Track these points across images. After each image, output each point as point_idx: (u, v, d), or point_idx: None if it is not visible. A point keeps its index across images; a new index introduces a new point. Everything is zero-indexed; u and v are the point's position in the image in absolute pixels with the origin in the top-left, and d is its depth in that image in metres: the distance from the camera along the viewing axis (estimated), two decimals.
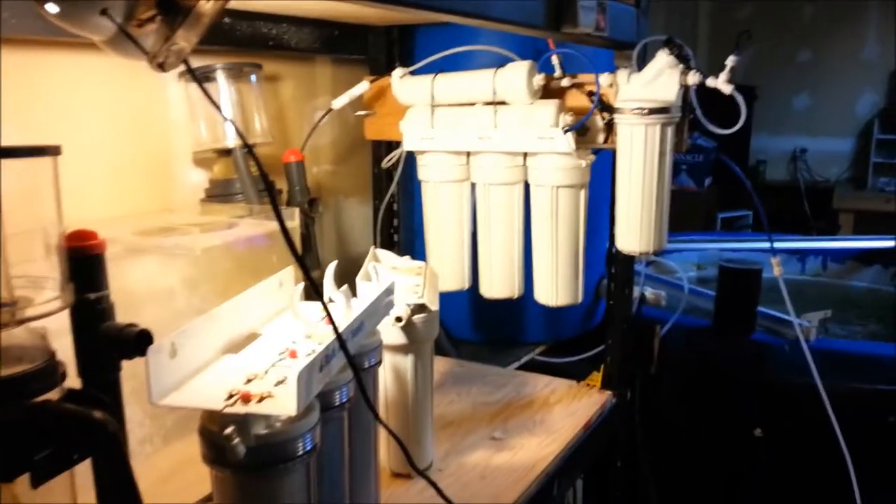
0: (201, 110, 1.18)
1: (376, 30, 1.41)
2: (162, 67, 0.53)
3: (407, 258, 1.03)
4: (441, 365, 1.39)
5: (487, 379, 1.33)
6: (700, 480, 1.77)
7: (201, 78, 1.15)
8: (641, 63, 1.08)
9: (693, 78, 1.01)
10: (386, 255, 1.02)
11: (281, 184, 1.25)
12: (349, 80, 1.34)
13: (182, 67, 0.55)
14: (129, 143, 1.10)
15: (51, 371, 0.58)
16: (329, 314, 0.63)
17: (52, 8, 0.58)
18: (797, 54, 5.15)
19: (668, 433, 1.75)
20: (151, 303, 0.96)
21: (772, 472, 1.65)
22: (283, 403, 0.56)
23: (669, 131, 1.03)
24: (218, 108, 0.67)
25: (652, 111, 1.01)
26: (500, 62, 1.11)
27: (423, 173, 1.20)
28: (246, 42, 1.19)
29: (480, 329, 1.56)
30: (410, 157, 1.25)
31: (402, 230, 1.50)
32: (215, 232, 1.00)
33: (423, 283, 0.96)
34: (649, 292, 1.59)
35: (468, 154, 1.16)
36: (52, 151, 0.59)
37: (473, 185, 1.17)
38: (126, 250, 0.92)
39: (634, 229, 1.06)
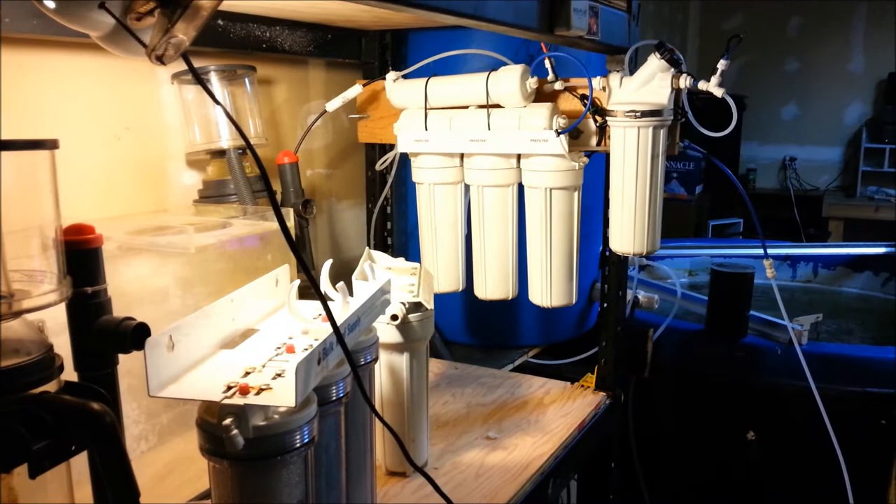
0: (195, 111, 1.18)
1: (369, 34, 1.42)
2: (161, 60, 0.53)
3: (401, 259, 1.04)
4: (435, 366, 1.39)
5: (482, 380, 1.33)
6: (693, 483, 1.78)
7: (195, 79, 1.15)
8: (633, 67, 1.09)
9: (684, 81, 1.02)
10: (380, 256, 1.02)
11: (275, 185, 1.25)
12: (342, 83, 1.35)
13: (175, 70, 0.55)
14: (123, 144, 1.10)
15: (48, 363, 0.58)
16: (327, 308, 0.63)
17: (50, 3, 0.58)
18: (785, 64, 5.20)
19: (661, 435, 1.75)
20: (145, 302, 0.96)
21: (764, 475, 1.65)
22: (282, 395, 0.57)
23: (662, 134, 1.04)
24: (221, 105, 0.68)
25: (644, 114, 1.02)
26: (493, 66, 1.12)
27: (417, 175, 1.20)
28: (240, 44, 1.20)
29: (474, 332, 1.56)
30: (403, 160, 1.26)
31: (395, 232, 1.51)
32: (210, 232, 1.00)
33: (417, 282, 0.96)
34: (642, 296, 1.60)
35: (462, 156, 1.16)
36: (49, 145, 0.59)
37: (467, 187, 1.18)
38: (120, 249, 0.92)
39: (628, 230, 1.06)
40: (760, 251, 2.43)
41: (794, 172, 5.20)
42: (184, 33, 0.50)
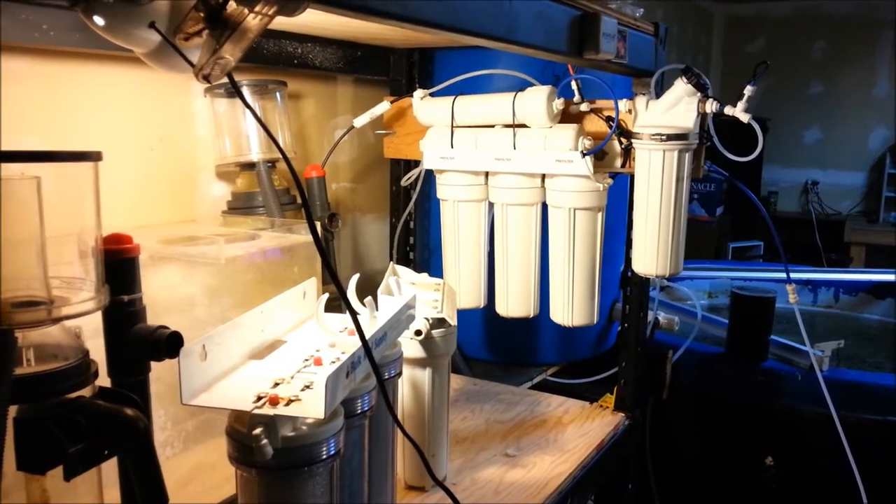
0: (226, 124, 1.21)
1: (398, 52, 1.44)
2: (207, 79, 0.55)
3: (425, 275, 1.05)
4: (455, 382, 1.40)
5: (501, 397, 1.34)
6: None
7: (227, 93, 1.17)
8: (659, 91, 1.10)
9: (711, 106, 1.03)
10: (405, 272, 1.04)
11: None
12: (370, 99, 1.37)
13: (206, 84, 0.57)
14: (156, 154, 1.13)
15: (84, 369, 0.59)
16: (356, 323, 0.64)
17: (99, 20, 0.60)
18: (809, 88, 5.18)
19: (678, 458, 1.75)
20: (173, 310, 0.97)
21: (782, 501, 1.64)
22: (311, 407, 0.58)
23: (687, 157, 1.05)
24: (261, 122, 0.69)
25: (670, 137, 1.03)
26: (519, 86, 1.13)
27: (442, 192, 1.21)
28: (272, 60, 1.22)
29: (494, 348, 1.57)
30: (428, 177, 1.27)
31: (418, 248, 1.52)
32: (238, 243, 1.02)
33: (441, 298, 0.97)
34: (663, 317, 1.60)
35: (487, 174, 1.18)
36: (93, 157, 0.61)
37: (491, 205, 1.19)
38: (151, 258, 0.94)
39: (651, 252, 1.07)
40: (781, 275, 2.42)
41: (817, 196, 5.17)
42: (230, 54, 0.52)
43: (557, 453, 1.11)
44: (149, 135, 1.11)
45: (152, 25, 0.56)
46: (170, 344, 0.64)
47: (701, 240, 3.87)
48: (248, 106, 0.65)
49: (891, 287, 2.61)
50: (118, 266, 0.66)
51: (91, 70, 1.02)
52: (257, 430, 0.56)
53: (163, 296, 0.96)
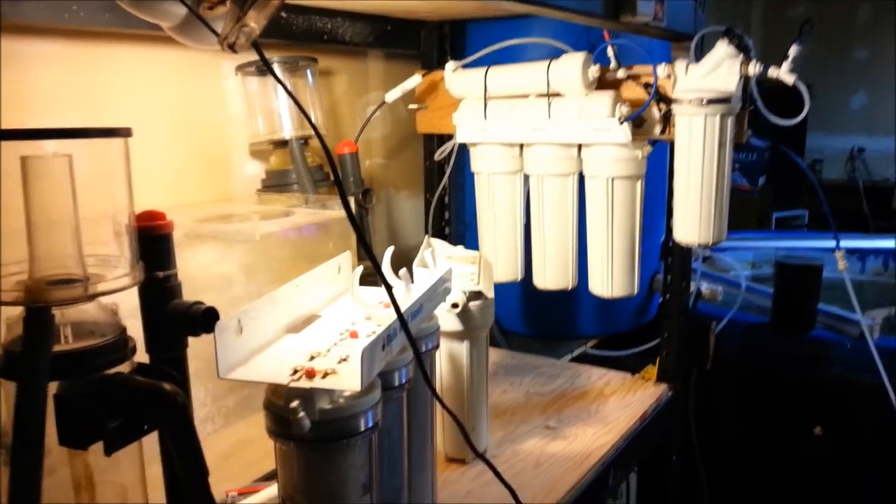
0: (258, 103, 1.20)
1: (429, 25, 1.42)
2: (232, 48, 0.54)
3: (461, 248, 1.04)
4: (494, 356, 1.39)
5: (540, 370, 1.32)
6: (756, 479, 1.74)
7: (259, 71, 1.17)
8: (699, 55, 1.06)
9: (754, 68, 1.00)
10: (440, 245, 1.02)
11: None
12: (401, 74, 1.36)
13: (239, 62, 0.56)
14: (189, 134, 1.13)
15: (122, 345, 0.59)
16: (391, 295, 0.63)
17: None
18: (853, 53, 5.02)
19: (723, 430, 1.72)
20: (210, 288, 0.98)
21: (831, 472, 1.61)
22: (347, 379, 0.57)
23: (729, 122, 1.01)
24: (293, 97, 0.68)
25: (711, 101, 0.99)
26: (553, 55, 1.11)
27: (476, 165, 1.20)
28: (301, 36, 1.21)
29: (532, 322, 1.55)
30: (462, 150, 1.26)
31: (453, 222, 1.51)
32: (273, 220, 1.02)
33: (478, 270, 0.96)
34: (705, 287, 1.57)
35: (521, 146, 1.15)
36: (123, 133, 0.61)
37: (527, 177, 1.17)
38: (187, 237, 0.94)
39: (693, 221, 1.04)
40: (827, 243, 2.35)
41: (863, 163, 5.02)
42: (255, 22, 0.51)
43: (599, 425, 1.10)
44: (181, 115, 1.12)
45: None
46: (205, 319, 0.64)
47: (743, 210, 3.78)
48: (278, 80, 0.65)
49: None
50: (152, 243, 0.65)
51: (123, 51, 1.02)
52: (294, 403, 0.56)
53: (200, 274, 0.97)
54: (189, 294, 0.72)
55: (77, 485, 0.62)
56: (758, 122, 1.07)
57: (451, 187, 1.48)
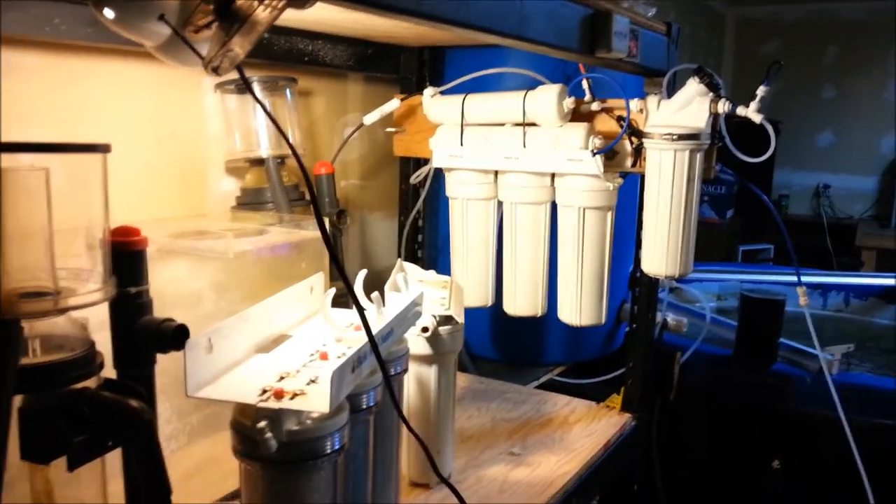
0: (236, 120, 1.21)
1: (408, 50, 1.44)
2: (216, 72, 0.55)
3: (432, 272, 1.05)
4: (461, 381, 1.39)
5: (507, 396, 1.33)
6: None
7: (238, 88, 1.17)
8: (671, 91, 1.09)
9: (723, 106, 1.03)
10: (412, 269, 1.03)
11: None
12: (379, 97, 1.37)
13: (219, 80, 0.57)
14: (166, 149, 1.13)
15: (90, 360, 0.59)
16: (363, 318, 0.64)
17: (109, 13, 0.60)
18: (821, 91, 5.15)
19: (685, 460, 1.74)
20: (180, 304, 0.97)
21: None
22: (316, 401, 0.58)
23: (698, 158, 1.04)
24: (271, 117, 0.69)
25: (682, 137, 1.02)
26: (530, 85, 1.13)
27: (451, 190, 1.21)
28: (283, 57, 1.22)
29: (500, 347, 1.56)
30: (437, 175, 1.27)
31: (426, 246, 1.52)
32: (248, 238, 1.02)
33: (449, 295, 0.97)
34: (671, 318, 1.59)
35: (496, 173, 1.17)
36: (101, 149, 0.61)
37: (500, 204, 1.19)
38: (159, 251, 0.94)
39: (661, 252, 1.06)
40: (791, 278, 2.40)
41: (828, 200, 5.13)
42: (240, 47, 0.52)
43: (563, 453, 1.11)
44: (159, 130, 1.12)
45: (162, 18, 0.56)
46: (176, 336, 0.64)
47: (711, 242, 3.85)
48: (257, 100, 0.65)
49: None
50: (126, 258, 0.66)
51: (102, 65, 1.02)
52: (262, 424, 0.56)
53: (171, 289, 0.96)
54: (159, 309, 0.72)
55: (36, 500, 0.61)
56: (726, 157, 1.10)
57: (426, 211, 1.50)
